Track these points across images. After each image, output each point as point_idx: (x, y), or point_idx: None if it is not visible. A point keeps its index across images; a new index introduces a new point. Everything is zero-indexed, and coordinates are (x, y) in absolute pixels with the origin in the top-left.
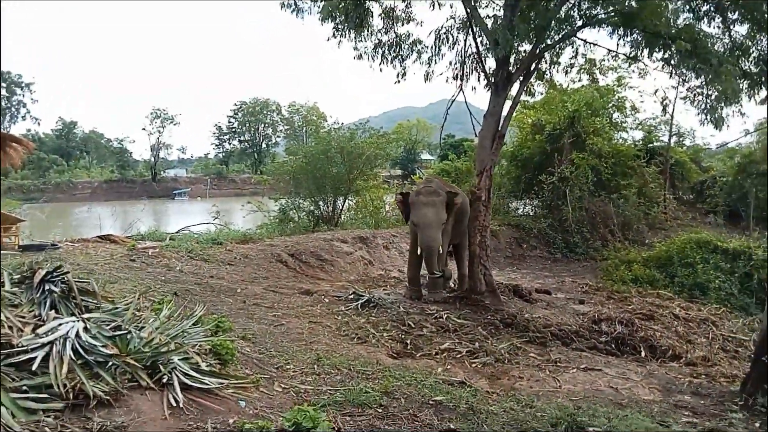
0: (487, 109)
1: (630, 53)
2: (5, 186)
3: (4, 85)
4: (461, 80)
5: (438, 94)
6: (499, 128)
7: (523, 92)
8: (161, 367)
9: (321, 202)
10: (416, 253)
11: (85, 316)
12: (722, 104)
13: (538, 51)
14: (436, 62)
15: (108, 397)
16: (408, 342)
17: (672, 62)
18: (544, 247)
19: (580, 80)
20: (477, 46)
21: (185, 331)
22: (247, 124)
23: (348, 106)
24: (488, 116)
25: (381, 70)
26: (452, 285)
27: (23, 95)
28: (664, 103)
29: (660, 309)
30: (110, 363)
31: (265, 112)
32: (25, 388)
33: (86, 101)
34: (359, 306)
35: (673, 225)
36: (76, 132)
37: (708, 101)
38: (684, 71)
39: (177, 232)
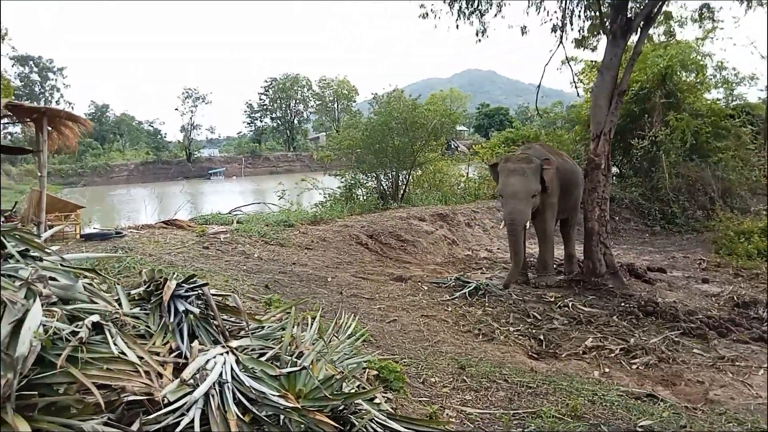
0: (602, 61)
1: None
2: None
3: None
4: (562, 31)
5: (462, 64)
6: (618, 83)
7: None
8: (353, 419)
9: (383, 177)
10: None
11: (234, 344)
12: None
13: None
14: (538, 11)
15: None
16: (542, 338)
17: None
18: (639, 218)
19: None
20: None
21: (346, 353)
22: (279, 101)
23: (371, 81)
24: (604, 70)
25: (457, 27)
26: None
27: (56, 80)
28: None
29: None
30: (283, 417)
31: (295, 87)
32: None
33: (115, 84)
34: (467, 294)
35: None
36: (109, 115)
37: None
38: None
39: (229, 213)
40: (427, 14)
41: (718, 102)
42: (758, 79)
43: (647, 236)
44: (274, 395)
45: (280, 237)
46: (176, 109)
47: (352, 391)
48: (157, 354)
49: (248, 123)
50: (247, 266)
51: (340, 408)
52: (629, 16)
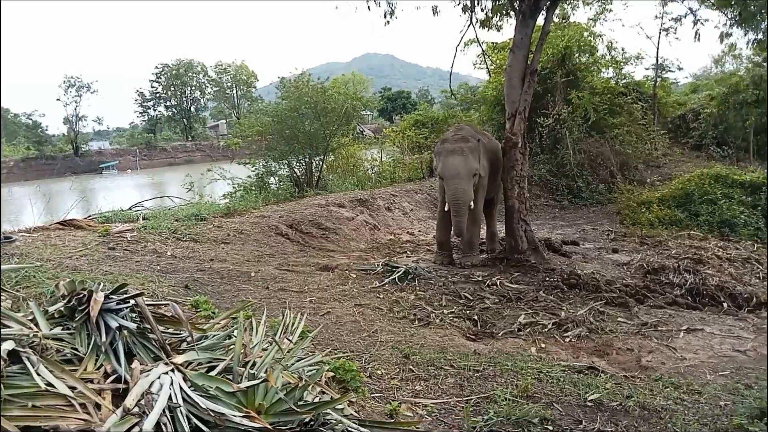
0: (513, 41)
1: None
2: None
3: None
4: (472, 11)
5: (361, 47)
6: (529, 63)
7: (552, 20)
8: (324, 431)
9: (296, 164)
10: (446, 212)
11: (178, 360)
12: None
13: None
14: None
15: None
16: (477, 319)
17: None
18: (549, 194)
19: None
20: None
21: (300, 357)
22: (172, 88)
23: (270, 65)
24: (516, 50)
25: (369, 8)
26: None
27: None
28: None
29: (702, 251)
30: None
31: (190, 74)
32: None
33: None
34: (397, 280)
35: (666, 162)
36: None
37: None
38: None
39: (131, 209)
40: None
41: (609, 80)
42: (644, 59)
43: (557, 211)
44: (236, 415)
45: (193, 232)
46: (58, 100)
47: (316, 399)
48: (91, 381)
49: (140, 113)
50: (161, 266)
51: (307, 420)
52: None
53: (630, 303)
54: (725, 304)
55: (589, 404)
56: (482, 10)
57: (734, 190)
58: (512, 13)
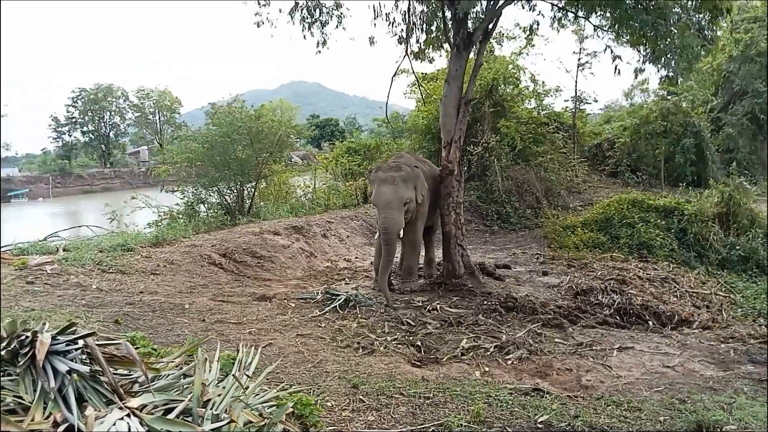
0: (449, 73)
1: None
2: None
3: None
4: (407, 43)
5: (288, 76)
6: (464, 93)
7: (483, 53)
8: None
9: (226, 191)
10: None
11: (133, 403)
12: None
13: (498, 7)
14: (387, 22)
15: None
16: (420, 344)
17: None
18: (479, 220)
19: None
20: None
21: (256, 392)
22: (90, 113)
23: (193, 91)
24: (451, 81)
25: (305, 38)
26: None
27: None
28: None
29: (624, 272)
30: None
31: (109, 98)
32: None
33: None
34: (338, 307)
35: (586, 188)
36: None
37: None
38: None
39: (45, 240)
40: (263, 22)
41: (532, 111)
42: (562, 91)
43: (488, 236)
44: None
45: (119, 263)
46: None
47: None
48: None
49: (54, 138)
50: (86, 300)
51: None
52: (470, 30)
53: (564, 324)
54: (650, 323)
55: (540, 426)
56: (417, 42)
57: (650, 214)
58: (446, 45)
